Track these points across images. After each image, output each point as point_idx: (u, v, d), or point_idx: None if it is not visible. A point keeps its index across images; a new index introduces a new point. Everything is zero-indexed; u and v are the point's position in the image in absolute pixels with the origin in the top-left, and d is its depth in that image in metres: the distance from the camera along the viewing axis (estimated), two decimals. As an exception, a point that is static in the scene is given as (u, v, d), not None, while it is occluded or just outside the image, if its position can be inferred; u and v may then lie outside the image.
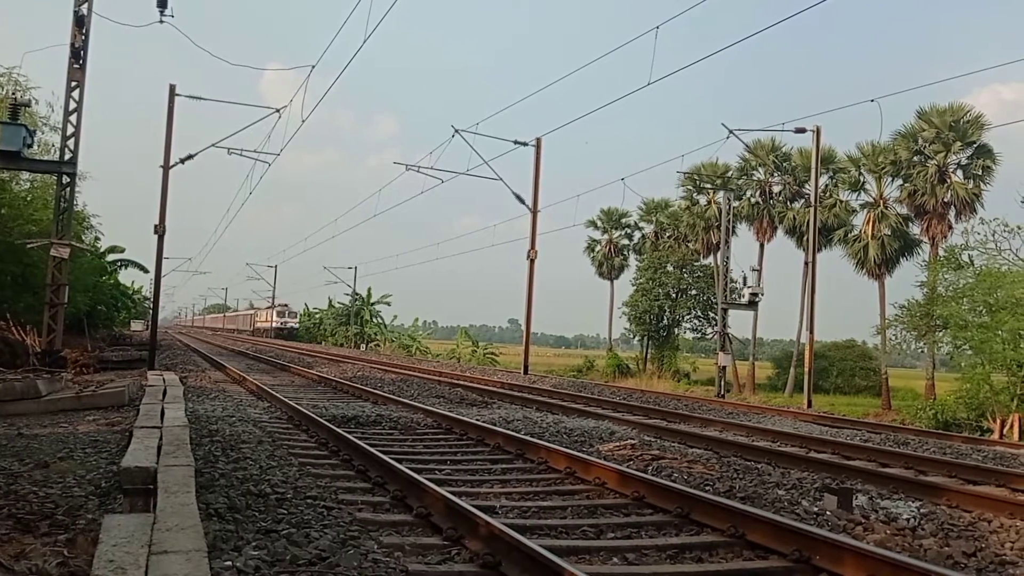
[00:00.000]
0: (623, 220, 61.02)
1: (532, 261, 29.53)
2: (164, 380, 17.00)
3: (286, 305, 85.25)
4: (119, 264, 48.33)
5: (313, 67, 20.64)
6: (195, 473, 6.42)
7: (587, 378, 42.29)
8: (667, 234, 56.73)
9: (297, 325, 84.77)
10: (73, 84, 20.57)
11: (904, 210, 41.96)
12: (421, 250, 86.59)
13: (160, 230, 24.24)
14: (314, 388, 19.67)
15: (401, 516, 6.34)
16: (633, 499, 7.12)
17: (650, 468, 8.77)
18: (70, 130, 20.53)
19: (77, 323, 33.17)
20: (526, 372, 28.86)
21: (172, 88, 24.42)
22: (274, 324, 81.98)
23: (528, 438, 10.06)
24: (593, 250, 62.19)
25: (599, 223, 61.01)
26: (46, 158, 24.74)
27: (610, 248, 61.24)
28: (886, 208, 42.26)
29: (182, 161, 25.23)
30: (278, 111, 24.46)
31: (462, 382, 22.53)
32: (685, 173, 46.51)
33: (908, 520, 6.98)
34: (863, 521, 6.74)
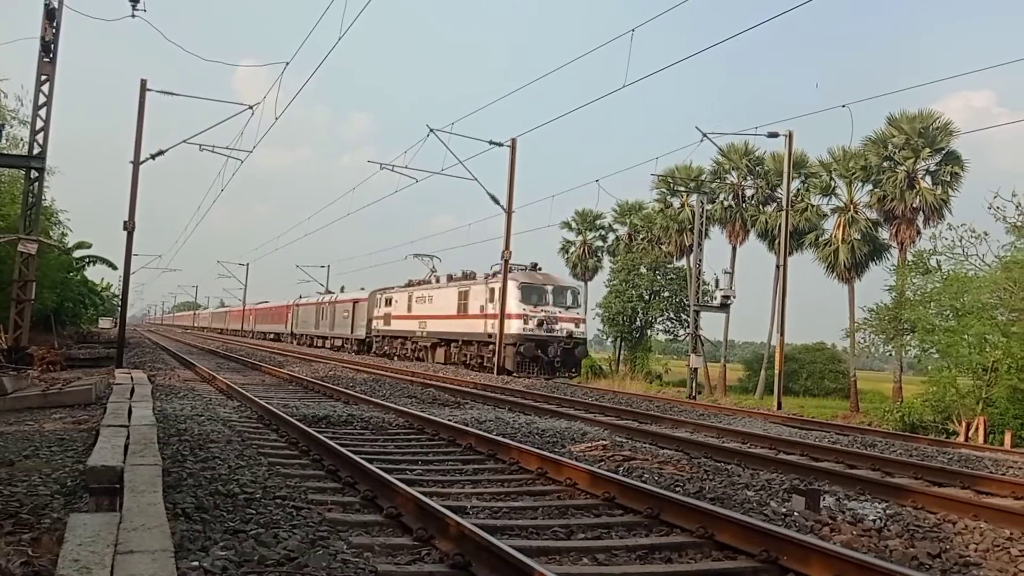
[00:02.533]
0: (597, 222, 61.18)
1: (506, 261, 29.52)
2: (132, 378, 16.84)
3: (538, 269, 33.26)
4: (87, 260, 47.69)
5: (287, 64, 20.46)
6: (162, 472, 6.36)
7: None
8: (641, 236, 56.92)
9: (586, 334, 33.89)
10: (43, 78, 20.32)
11: (874, 215, 42.44)
12: (395, 249, 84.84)
13: (129, 226, 23.92)
14: (285, 387, 19.55)
15: (371, 516, 6.31)
16: (604, 500, 7.14)
17: (621, 469, 8.82)
18: (39, 124, 20.27)
19: (44, 320, 32.79)
20: (499, 372, 28.84)
21: (143, 83, 24.13)
22: (519, 328, 29.85)
23: (500, 439, 10.06)
24: (567, 251, 62.25)
25: (573, 224, 61.13)
26: (14, 152, 24.42)
27: (584, 249, 61.35)
28: (856, 213, 42.71)
29: (152, 157, 24.93)
30: (251, 108, 24.24)
31: (434, 382, 22.49)
32: (659, 175, 46.73)
33: (874, 521, 7.06)
34: (830, 522, 6.81)
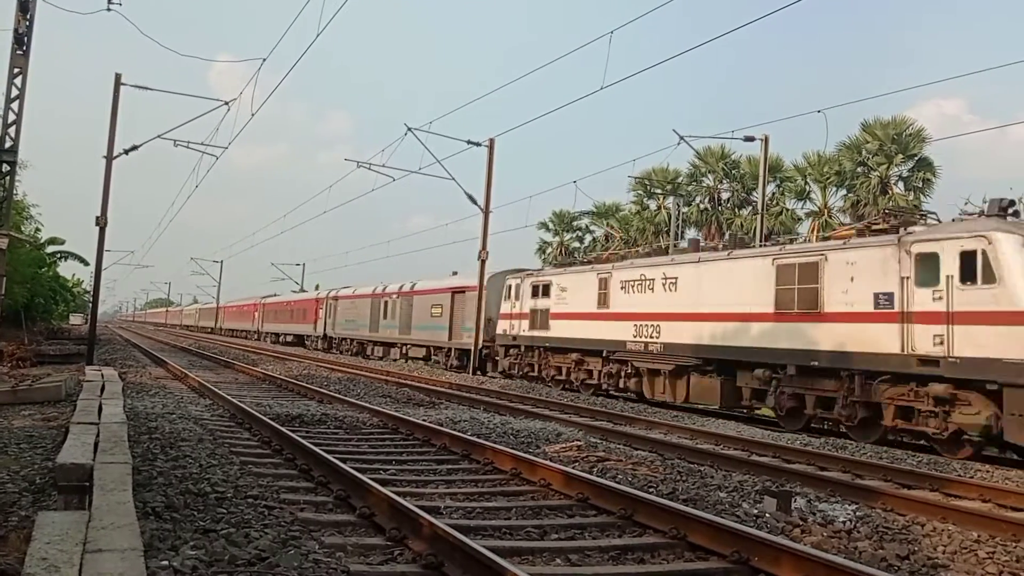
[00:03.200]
0: (574, 223, 61.37)
1: (483, 262, 29.48)
2: (103, 375, 16.67)
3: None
4: (58, 256, 47.15)
5: (264, 60, 20.35)
6: (132, 471, 6.30)
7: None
8: (618, 237, 57.18)
9: None
10: (16, 71, 20.07)
11: (847, 219, 42.88)
12: (371, 248, 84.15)
13: (102, 222, 23.66)
14: (258, 386, 19.41)
15: (344, 516, 6.29)
16: (578, 500, 7.16)
17: (595, 470, 8.84)
18: (11, 117, 20.01)
19: (14, 316, 32.38)
20: (475, 373, 28.82)
21: (118, 77, 23.90)
22: None
23: (474, 439, 10.06)
24: (544, 252, 62.35)
25: (550, 225, 61.25)
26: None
27: (561, 250, 61.47)
28: (830, 217, 43.10)
29: (126, 152, 24.69)
30: (227, 103, 24.08)
31: (410, 382, 22.42)
32: (636, 177, 46.90)
33: (844, 523, 7.13)
34: (801, 523, 6.87)
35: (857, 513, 7.61)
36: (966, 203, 25.27)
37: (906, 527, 7.14)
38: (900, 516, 7.61)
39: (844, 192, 42.69)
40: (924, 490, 9.28)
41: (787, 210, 45.03)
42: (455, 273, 35.79)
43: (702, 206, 49.28)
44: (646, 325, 20.75)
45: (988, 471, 11.16)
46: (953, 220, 14.76)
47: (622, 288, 22.06)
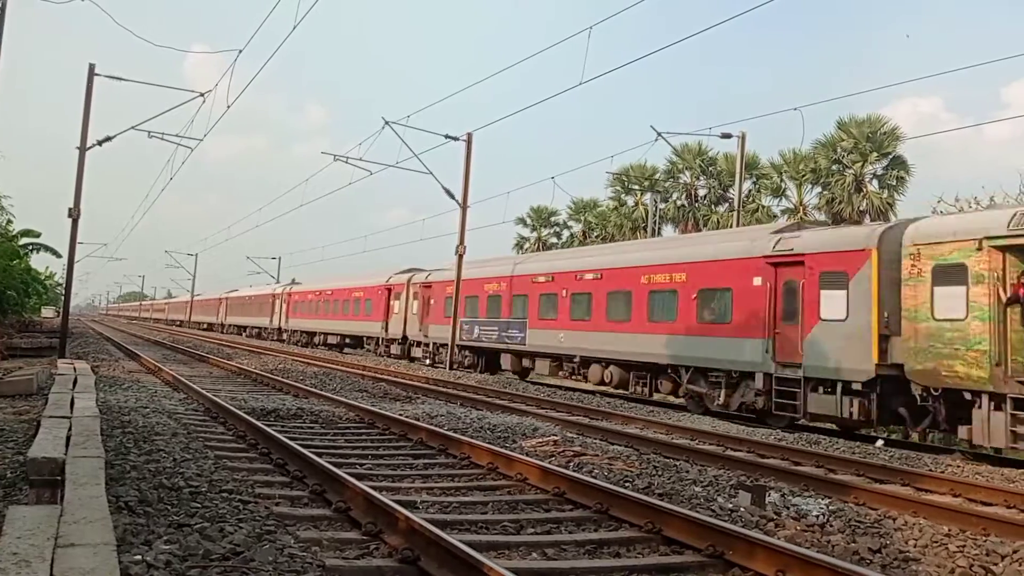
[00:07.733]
0: (552, 218, 61.38)
1: (460, 257, 29.42)
2: (75, 369, 16.47)
3: None
4: (31, 248, 46.51)
5: (240, 51, 20.12)
6: (105, 465, 6.23)
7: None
8: (595, 233, 57.23)
9: None
10: (-15, 59, 19.73)
11: (822, 217, 43.21)
12: (348, 242, 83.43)
13: (75, 214, 23.36)
14: (233, 380, 19.28)
15: (319, 511, 6.27)
16: (554, 495, 7.18)
17: (571, 464, 8.86)
18: (-19, 107, 19.73)
19: (-16, 308, 31.91)
20: (451, 368, 28.79)
21: (91, 67, 23.59)
22: None
23: (451, 433, 10.06)
24: (522, 247, 62.36)
25: (528, 220, 61.25)
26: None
27: (539, 246, 61.51)
28: (805, 214, 43.39)
29: (100, 143, 24.38)
30: (202, 95, 23.79)
31: (386, 376, 22.36)
32: (614, 173, 47.00)
33: (818, 517, 7.20)
34: (775, 517, 6.93)
35: (830, 507, 7.68)
36: (939, 200, 25.67)
37: (878, 521, 7.22)
38: (872, 510, 7.70)
39: (819, 190, 43.05)
40: (896, 485, 9.40)
41: (763, 207, 45.33)
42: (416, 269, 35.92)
43: (679, 202, 49.46)
44: None
45: (959, 466, 11.31)
46: None
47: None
